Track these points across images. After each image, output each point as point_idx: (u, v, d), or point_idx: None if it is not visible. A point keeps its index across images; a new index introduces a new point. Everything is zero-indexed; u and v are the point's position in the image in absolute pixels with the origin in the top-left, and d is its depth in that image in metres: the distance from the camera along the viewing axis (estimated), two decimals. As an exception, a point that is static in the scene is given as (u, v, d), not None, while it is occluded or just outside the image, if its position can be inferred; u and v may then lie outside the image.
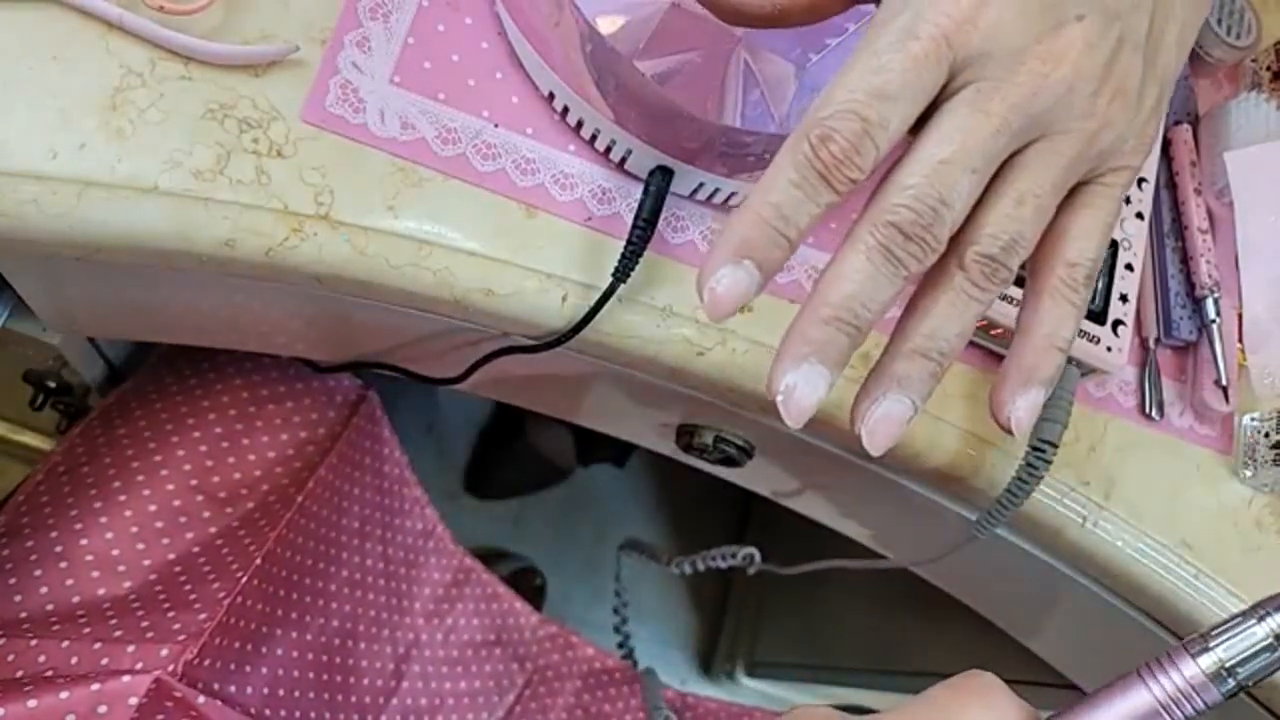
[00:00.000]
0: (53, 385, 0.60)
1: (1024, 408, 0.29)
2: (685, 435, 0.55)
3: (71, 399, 0.62)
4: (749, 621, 1.25)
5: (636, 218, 0.40)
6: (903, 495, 0.51)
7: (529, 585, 1.15)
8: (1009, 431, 0.29)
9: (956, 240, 0.27)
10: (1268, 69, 0.58)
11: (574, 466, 1.23)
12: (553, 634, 0.69)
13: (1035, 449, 0.44)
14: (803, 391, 0.26)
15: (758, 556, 0.56)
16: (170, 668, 0.44)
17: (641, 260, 0.40)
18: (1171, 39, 0.29)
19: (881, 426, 0.27)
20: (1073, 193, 0.29)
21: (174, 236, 0.36)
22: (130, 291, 0.46)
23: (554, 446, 1.20)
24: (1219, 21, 0.55)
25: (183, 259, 0.37)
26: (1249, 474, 0.50)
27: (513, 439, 1.20)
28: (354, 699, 0.57)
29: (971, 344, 0.47)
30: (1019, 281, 0.36)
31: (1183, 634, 0.51)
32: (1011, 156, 0.27)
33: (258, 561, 0.50)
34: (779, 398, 0.26)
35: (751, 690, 1.20)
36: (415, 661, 0.62)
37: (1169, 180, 0.53)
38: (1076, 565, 0.51)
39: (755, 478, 0.61)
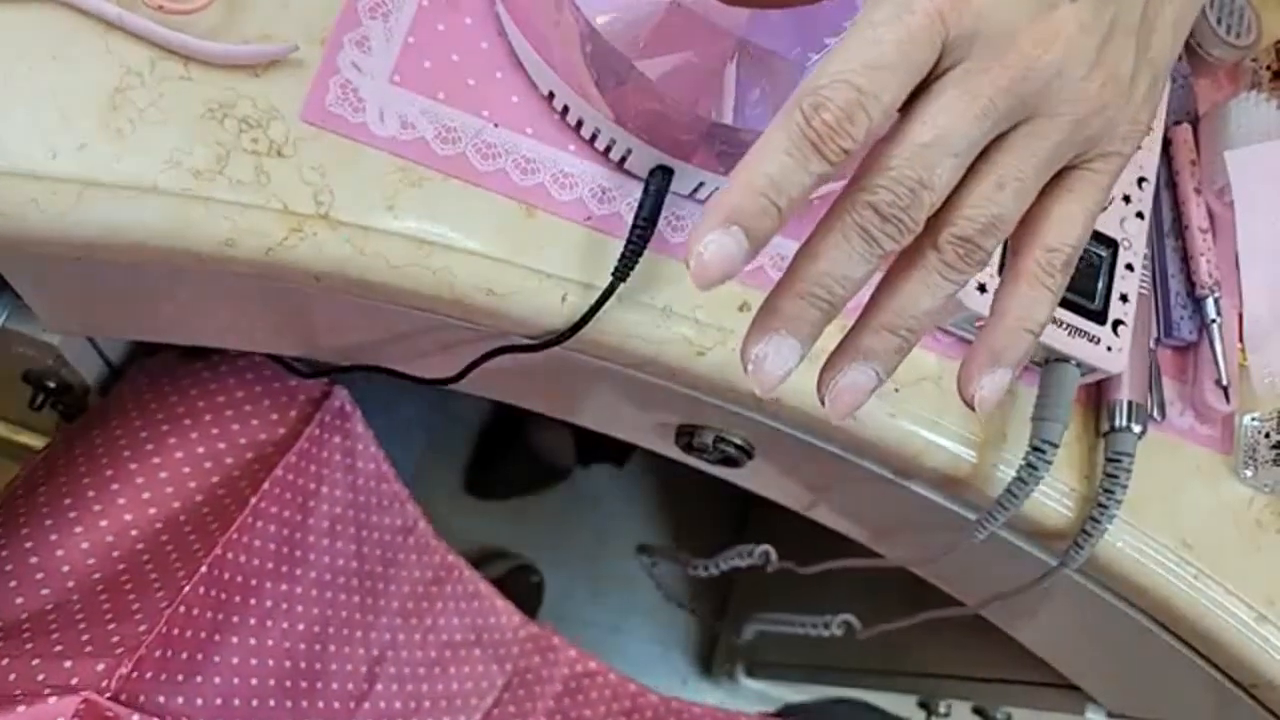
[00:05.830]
0: (52, 385, 0.60)
1: (989, 387, 0.29)
2: (685, 435, 0.55)
3: (71, 399, 0.62)
4: (750, 622, 1.24)
5: (636, 217, 0.40)
6: (902, 495, 0.51)
7: (526, 583, 1.15)
8: (972, 408, 0.29)
9: (934, 220, 0.26)
10: (1268, 68, 0.58)
11: (574, 466, 1.23)
12: (534, 635, 0.67)
13: (1036, 449, 0.44)
14: (773, 362, 0.26)
15: (774, 555, 0.56)
16: (104, 683, 0.42)
17: (641, 260, 0.40)
18: (1166, 25, 0.29)
19: (845, 395, 0.27)
20: (1059, 176, 0.28)
21: (174, 236, 0.36)
22: (129, 291, 0.46)
23: (554, 446, 1.20)
24: (1218, 21, 0.55)
25: (182, 258, 0.37)
26: (1249, 474, 0.50)
27: (513, 439, 1.20)
28: (322, 704, 0.55)
29: (970, 343, 0.47)
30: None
31: (1182, 634, 0.51)
32: (998, 138, 0.27)
33: (203, 568, 0.48)
34: (749, 367, 0.26)
35: (751, 690, 1.20)
36: (391, 663, 0.60)
37: (1169, 180, 0.53)
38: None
39: (755, 478, 0.61)
